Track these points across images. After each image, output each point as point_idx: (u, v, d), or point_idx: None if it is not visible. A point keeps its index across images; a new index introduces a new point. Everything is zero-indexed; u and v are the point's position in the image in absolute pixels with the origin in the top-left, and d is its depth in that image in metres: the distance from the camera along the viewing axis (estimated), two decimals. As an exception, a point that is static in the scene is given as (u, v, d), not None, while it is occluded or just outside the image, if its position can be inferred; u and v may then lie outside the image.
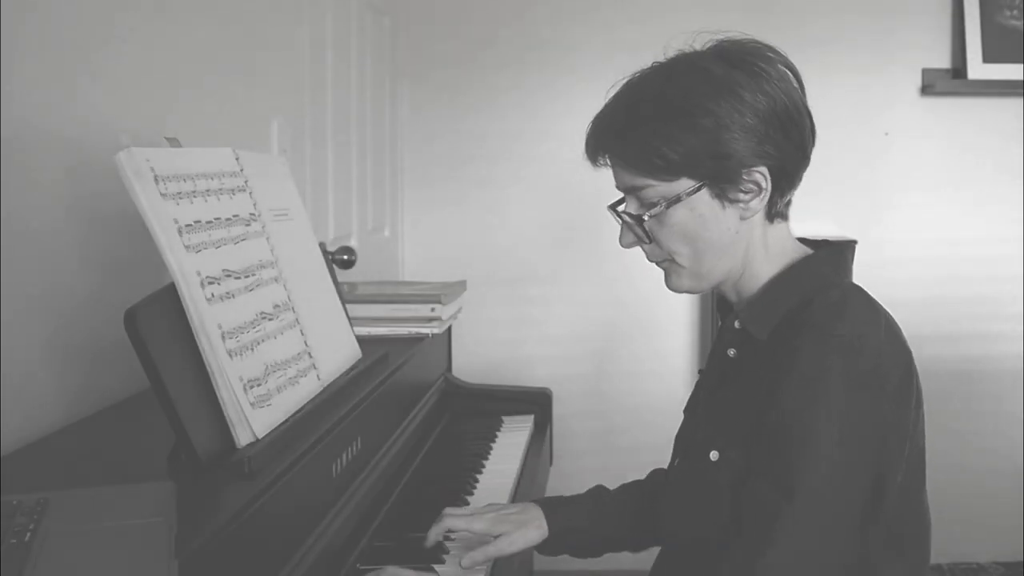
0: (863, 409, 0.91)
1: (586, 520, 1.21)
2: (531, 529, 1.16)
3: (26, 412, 1.01)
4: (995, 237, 2.72)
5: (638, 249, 1.05)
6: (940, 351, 2.71)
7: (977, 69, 2.61)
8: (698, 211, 0.99)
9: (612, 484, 1.28)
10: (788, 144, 0.98)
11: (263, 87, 1.70)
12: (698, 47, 1.02)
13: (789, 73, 1.00)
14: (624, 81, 1.02)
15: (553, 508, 1.20)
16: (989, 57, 2.62)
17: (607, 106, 1.02)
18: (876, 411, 0.92)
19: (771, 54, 1.00)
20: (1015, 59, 2.61)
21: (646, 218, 1.00)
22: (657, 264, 1.05)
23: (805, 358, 0.92)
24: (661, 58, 1.03)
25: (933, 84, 2.63)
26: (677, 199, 0.98)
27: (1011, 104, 2.67)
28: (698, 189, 0.98)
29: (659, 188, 0.98)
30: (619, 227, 1.05)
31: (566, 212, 2.72)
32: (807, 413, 0.90)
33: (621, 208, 1.04)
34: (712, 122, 0.95)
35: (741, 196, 0.99)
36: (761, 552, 0.89)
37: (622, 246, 1.05)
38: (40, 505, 0.70)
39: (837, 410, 0.90)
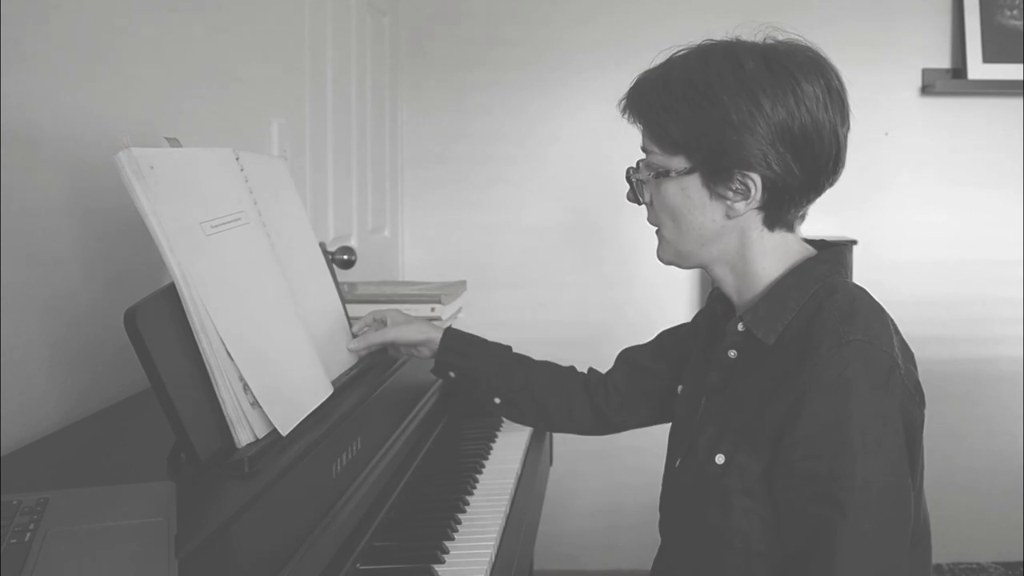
0: (890, 410, 0.91)
1: (479, 370, 1.36)
2: (417, 330, 1.36)
3: (26, 412, 1.01)
4: (995, 238, 2.73)
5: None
6: (940, 352, 2.71)
7: (977, 69, 2.62)
8: (688, 192, 1.01)
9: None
10: (795, 164, 0.97)
11: (263, 88, 1.70)
12: (758, 38, 1.01)
13: (830, 97, 0.98)
14: (672, 51, 1.03)
15: (455, 337, 1.37)
16: (989, 57, 2.62)
17: (648, 70, 1.04)
18: (902, 409, 0.92)
19: (817, 72, 0.98)
20: (1015, 59, 2.61)
21: (634, 181, 1.06)
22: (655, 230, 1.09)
23: (823, 368, 0.91)
24: (716, 37, 1.03)
25: (933, 84, 2.63)
26: (667, 173, 1.01)
27: (1011, 104, 2.68)
28: (689, 172, 1.00)
29: (659, 158, 1.02)
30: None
31: (567, 213, 2.73)
32: (841, 424, 0.89)
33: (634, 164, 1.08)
34: (720, 115, 0.96)
35: (728, 194, 0.99)
36: (829, 572, 0.88)
37: (627, 198, 1.09)
38: (40, 505, 0.70)
39: (868, 415, 0.89)
